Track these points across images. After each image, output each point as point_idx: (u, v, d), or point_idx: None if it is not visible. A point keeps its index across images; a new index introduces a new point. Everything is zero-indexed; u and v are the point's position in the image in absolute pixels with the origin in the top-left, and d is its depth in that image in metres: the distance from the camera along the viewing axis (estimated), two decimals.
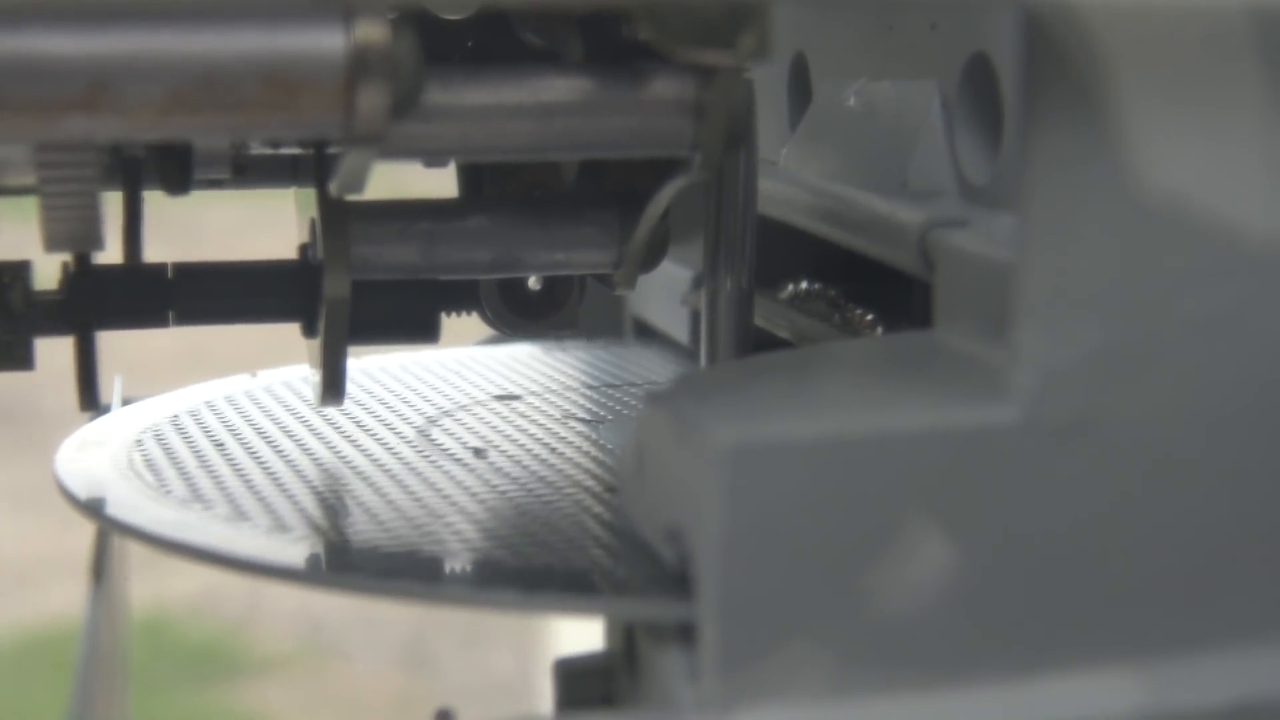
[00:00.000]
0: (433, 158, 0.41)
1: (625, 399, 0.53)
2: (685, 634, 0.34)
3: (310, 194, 0.43)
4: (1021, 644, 0.34)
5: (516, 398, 0.50)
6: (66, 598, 1.99)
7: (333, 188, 0.38)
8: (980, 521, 0.34)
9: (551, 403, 0.52)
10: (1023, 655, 0.34)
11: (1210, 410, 0.34)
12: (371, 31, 0.34)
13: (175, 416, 0.50)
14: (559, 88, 0.37)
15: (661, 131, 0.38)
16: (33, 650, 1.94)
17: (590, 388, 0.54)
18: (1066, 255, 0.34)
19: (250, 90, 0.33)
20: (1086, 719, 0.34)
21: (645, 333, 0.61)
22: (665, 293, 0.57)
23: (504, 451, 0.46)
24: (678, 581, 0.35)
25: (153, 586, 1.79)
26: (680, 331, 0.56)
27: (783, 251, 0.50)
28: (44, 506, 2.23)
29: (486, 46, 0.41)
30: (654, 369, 0.56)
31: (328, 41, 0.33)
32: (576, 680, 0.38)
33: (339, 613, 2.01)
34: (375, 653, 1.95)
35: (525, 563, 0.38)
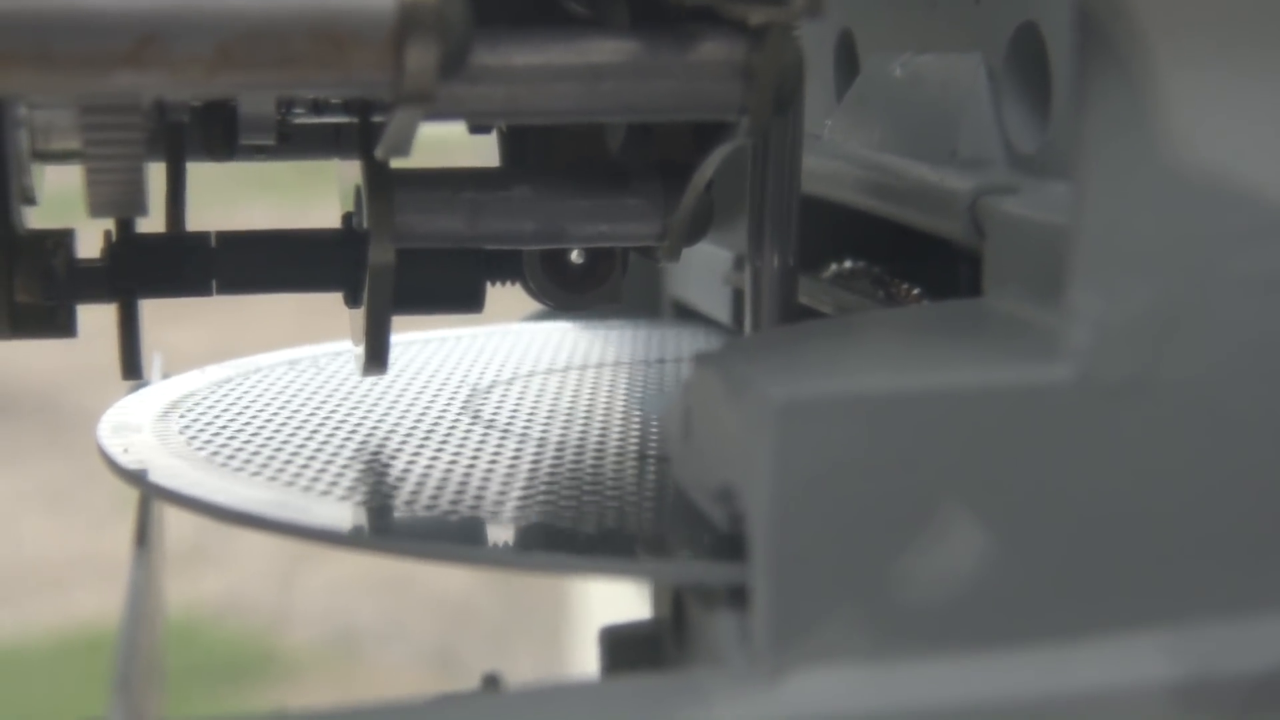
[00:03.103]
0: (479, 119, 0.41)
1: (667, 374, 0.53)
2: (736, 597, 0.34)
3: (352, 166, 0.43)
4: (1068, 605, 0.34)
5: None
6: (96, 601, 1.99)
7: (379, 150, 0.38)
8: (1031, 481, 0.33)
9: (593, 376, 0.52)
10: (1070, 617, 0.34)
11: (1262, 369, 0.34)
12: None
13: (216, 387, 0.50)
14: (607, 49, 0.37)
15: (710, 94, 0.37)
16: (64, 655, 1.94)
17: (631, 363, 0.54)
18: (1120, 215, 0.34)
19: (299, 46, 0.33)
20: (1131, 682, 0.34)
21: (683, 314, 0.61)
22: (705, 273, 0.57)
23: (547, 423, 0.46)
24: (728, 545, 0.34)
25: (180, 589, 1.79)
26: (721, 311, 0.56)
27: (825, 231, 0.50)
28: (74, 506, 2.24)
29: (530, 15, 0.41)
30: (694, 347, 0.56)
31: None
32: (623, 647, 0.38)
33: (366, 615, 2.01)
34: (402, 654, 1.95)
35: (573, 528, 0.37)
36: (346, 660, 1.93)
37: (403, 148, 0.37)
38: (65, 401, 2.57)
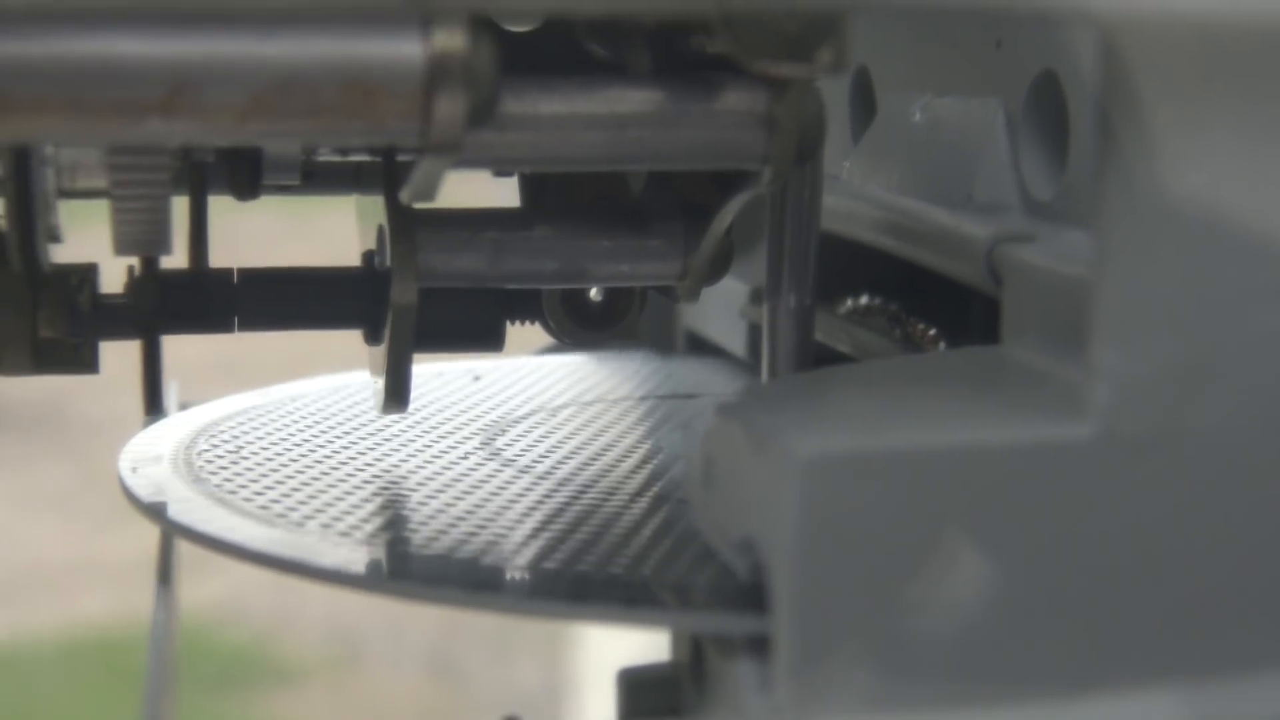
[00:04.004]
0: (505, 166, 0.41)
1: (682, 410, 0.53)
2: (756, 645, 0.34)
3: (373, 201, 0.44)
4: (1087, 658, 0.34)
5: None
6: (99, 603, 1.99)
7: (404, 195, 0.38)
8: (1052, 536, 0.34)
9: (609, 412, 0.52)
10: (1089, 669, 0.34)
11: None
12: (450, 39, 0.34)
13: (234, 419, 0.50)
14: (632, 99, 0.37)
15: (733, 143, 0.38)
16: (67, 658, 1.94)
17: (647, 399, 0.54)
18: (1141, 271, 0.34)
19: (329, 96, 0.33)
20: None
21: (698, 346, 0.61)
22: (721, 306, 0.57)
23: (564, 460, 0.46)
24: (748, 592, 0.35)
25: (183, 595, 1.79)
26: (737, 345, 0.56)
27: (842, 266, 0.50)
28: (78, 511, 2.24)
29: (553, 60, 0.41)
30: (710, 381, 0.56)
31: (407, 48, 0.33)
32: (641, 690, 0.38)
33: (367, 621, 2.01)
34: (402, 661, 1.95)
35: (590, 572, 0.38)
36: (347, 667, 1.94)
37: (428, 194, 0.37)
38: (70, 410, 2.58)
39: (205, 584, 1.99)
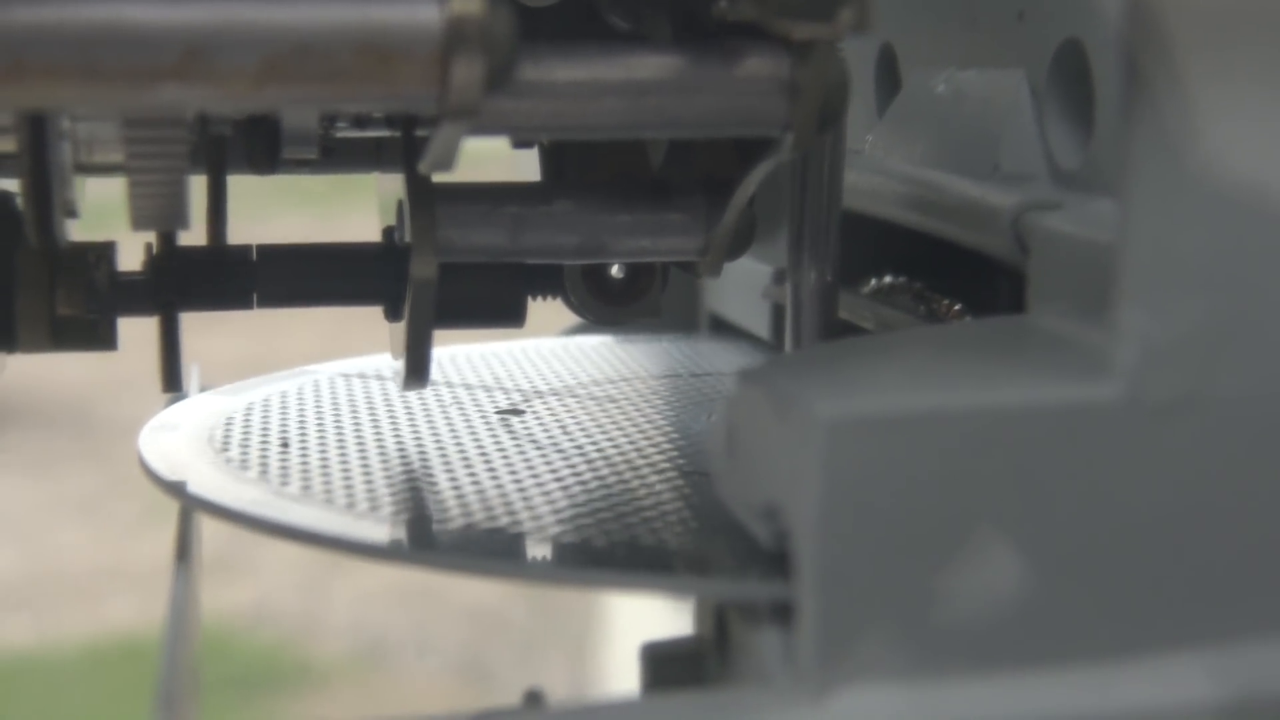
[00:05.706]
0: (523, 134, 0.41)
1: (705, 388, 0.53)
2: (780, 614, 0.34)
3: (393, 185, 0.43)
4: (1114, 625, 0.34)
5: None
6: (126, 609, 1.99)
7: (422, 165, 0.38)
8: (1077, 500, 0.33)
9: (632, 390, 0.52)
10: (1115, 636, 0.34)
11: None
12: (468, 3, 0.33)
13: (256, 400, 0.50)
14: (651, 65, 0.37)
15: (755, 110, 0.37)
16: (94, 664, 1.95)
17: (670, 377, 0.54)
18: (1167, 233, 0.33)
19: (345, 60, 0.33)
20: (1176, 702, 0.34)
21: (720, 327, 0.60)
22: (743, 287, 0.57)
23: (586, 437, 0.46)
24: (771, 561, 0.34)
25: (211, 599, 1.79)
26: (760, 326, 0.56)
27: (865, 246, 0.49)
28: (105, 514, 2.24)
29: (573, 29, 0.41)
30: (732, 361, 0.56)
31: (423, 12, 0.33)
32: (665, 664, 0.38)
33: (393, 624, 2.01)
34: (429, 663, 1.95)
35: (614, 543, 0.37)
36: (377, 670, 1.94)
37: (446, 162, 0.37)
38: (95, 411, 2.58)
39: (232, 588, 1.99)
